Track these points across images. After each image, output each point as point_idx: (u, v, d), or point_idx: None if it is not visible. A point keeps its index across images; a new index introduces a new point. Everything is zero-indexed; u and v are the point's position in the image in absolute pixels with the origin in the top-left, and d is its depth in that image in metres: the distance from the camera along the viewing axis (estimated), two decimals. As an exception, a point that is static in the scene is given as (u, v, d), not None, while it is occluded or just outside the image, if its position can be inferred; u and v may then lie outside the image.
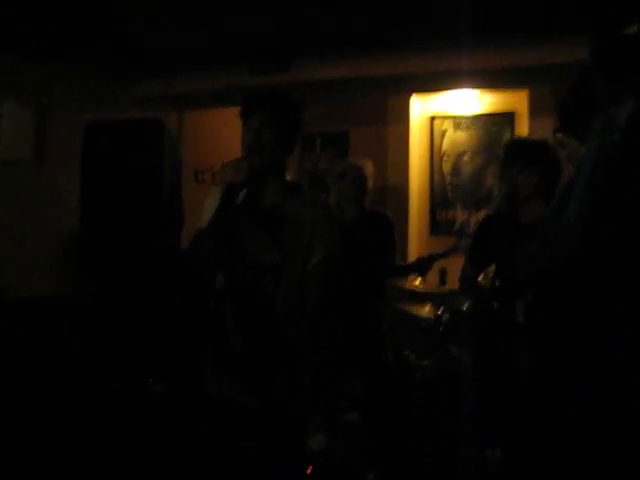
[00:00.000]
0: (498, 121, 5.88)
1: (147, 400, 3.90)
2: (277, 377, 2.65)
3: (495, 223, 3.71)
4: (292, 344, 2.66)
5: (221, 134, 6.02)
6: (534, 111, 5.51)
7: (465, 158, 6.01)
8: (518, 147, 3.50)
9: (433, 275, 5.39)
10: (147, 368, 4.00)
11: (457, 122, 6.02)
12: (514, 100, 5.71)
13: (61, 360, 4.16)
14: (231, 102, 5.66)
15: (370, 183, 4.55)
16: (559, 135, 1.73)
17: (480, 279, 3.39)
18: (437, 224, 6.11)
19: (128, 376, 3.96)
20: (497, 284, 3.37)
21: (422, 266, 4.66)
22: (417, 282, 5.03)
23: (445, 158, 6.08)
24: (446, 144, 6.07)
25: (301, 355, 2.69)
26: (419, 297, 4.82)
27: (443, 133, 6.07)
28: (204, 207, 2.72)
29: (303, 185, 3.04)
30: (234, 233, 2.58)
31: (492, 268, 3.43)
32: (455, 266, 5.41)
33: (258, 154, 2.56)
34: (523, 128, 5.70)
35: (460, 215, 6.03)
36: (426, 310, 4.65)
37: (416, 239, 6.11)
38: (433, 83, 4.98)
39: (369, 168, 4.55)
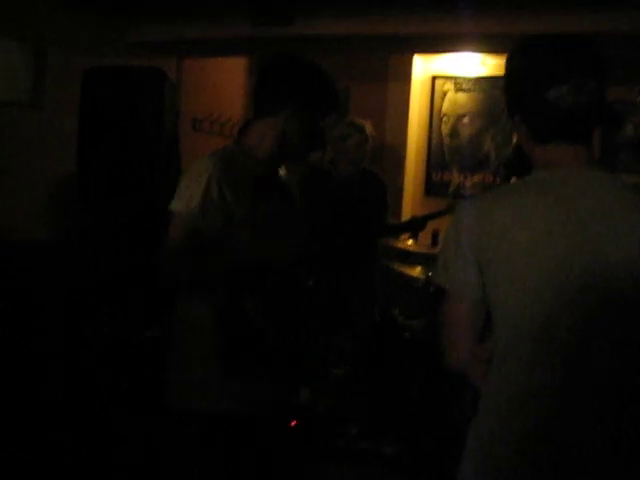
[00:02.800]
0: (500, 85, 5.81)
1: (138, 344, 3.95)
2: None
3: None
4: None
5: (220, 83, 5.97)
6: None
7: (464, 120, 5.97)
8: None
9: (425, 236, 5.42)
10: (140, 313, 4.03)
11: (459, 83, 5.97)
12: (518, 64, 5.66)
13: (56, 302, 4.19)
14: (232, 51, 5.66)
15: (370, 145, 4.58)
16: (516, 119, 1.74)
17: None
18: (432, 185, 6.10)
19: (120, 320, 4.00)
20: None
21: (416, 225, 4.69)
22: (409, 242, 5.06)
23: (445, 119, 6.04)
24: (446, 105, 6.03)
25: None
26: (410, 257, 4.84)
27: (444, 94, 6.02)
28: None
29: None
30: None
31: None
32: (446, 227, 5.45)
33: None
34: (525, 93, 5.67)
35: (456, 177, 6.02)
36: (417, 271, 4.66)
37: (411, 199, 6.11)
38: (436, 45, 4.93)
39: (369, 130, 4.55)
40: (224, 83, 5.95)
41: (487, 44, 4.81)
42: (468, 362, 1.63)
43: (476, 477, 1.60)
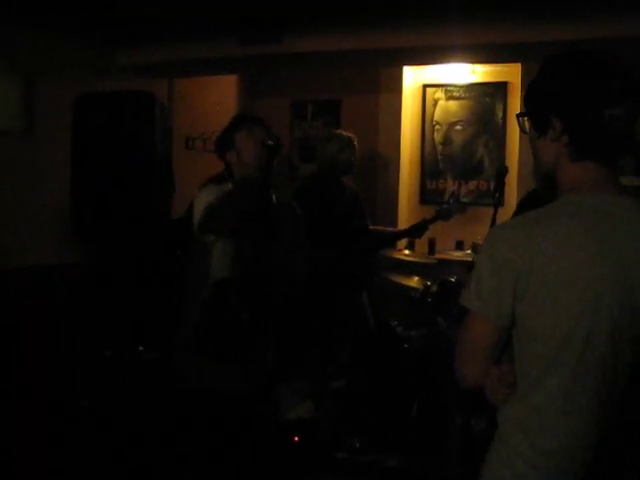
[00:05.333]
0: (491, 91, 5.86)
1: (136, 367, 3.97)
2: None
3: (536, 197, 3.74)
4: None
5: (211, 101, 5.99)
6: (527, 83, 5.49)
7: (457, 128, 6.00)
8: None
9: (421, 245, 5.44)
10: (137, 336, 4.05)
11: (449, 91, 6.00)
12: (507, 71, 5.69)
13: (53, 328, 4.21)
14: (222, 70, 5.69)
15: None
16: (522, 119, 1.73)
17: None
18: (427, 193, 6.13)
19: (119, 343, 4.02)
20: None
21: (418, 230, 4.75)
22: (406, 252, 5.09)
23: (437, 127, 6.07)
24: (438, 113, 6.05)
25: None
26: (407, 267, 4.87)
27: (435, 102, 6.05)
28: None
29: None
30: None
31: None
32: (444, 236, 5.48)
33: None
34: (516, 99, 5.70)
35: (450, 185, 6.04)
36: (414, 281, 4.68)
37: (406, 208, 6.13)
38: (425, 57, 4.95)
39: (355, 141, 4.66)
40: (215, 101, 5.98)
41: (476, 54, 4.83)
42: (486, 382, 1.64)
43: None
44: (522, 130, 1.74)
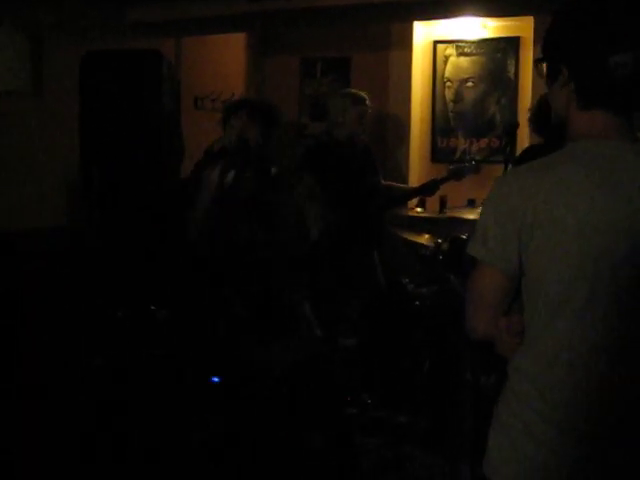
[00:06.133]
0: (503, 46, 5.77)
1: (149, 326, 4.00)
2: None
3: (536, 151, 3.71)
4: None
5: (220, 60, 5.95)
6: (539, 37, 5.40)
7: (468, 85, 5.92)
8: None
9: (433, 202, 5.42)
10: (149, 295, 4.08)
11: (460, 47, 5.90)
12: (519, 26, 5.60)
13: (64, 289, 4.23)
14: (230, 28, 5.64)
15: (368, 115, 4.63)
16: (540, 65, 1.71)
17: None
18: (438, 151, 6.07)
19: (131, 303, 4.05)
20: None
21: (430, 188, 4.74)
22: (417, 209, 5.08)
23: (448, 84, 5.99)
24: (449, 70, 5.97)
25: None
26: (419, 224, 4.85)
27: (446, 59, 5.96)
28: None
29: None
30: None
31: None
32: (455, 193, 5.45)
33: None
34: (528, 54, 5.61)
35: (462, 143, 5.99)
36: (425, 238, 4.67)
37: (417, 166, 6.09)
38: (436, 10, 4.88)
39: (368, 101, 4.59)
40: (224, 60, 5.93)
41: (488, 7, 4.76)
42: (496, 333, 1.64)
43: (515, 453, 1.60)
44: (540, 75, 1.72)
